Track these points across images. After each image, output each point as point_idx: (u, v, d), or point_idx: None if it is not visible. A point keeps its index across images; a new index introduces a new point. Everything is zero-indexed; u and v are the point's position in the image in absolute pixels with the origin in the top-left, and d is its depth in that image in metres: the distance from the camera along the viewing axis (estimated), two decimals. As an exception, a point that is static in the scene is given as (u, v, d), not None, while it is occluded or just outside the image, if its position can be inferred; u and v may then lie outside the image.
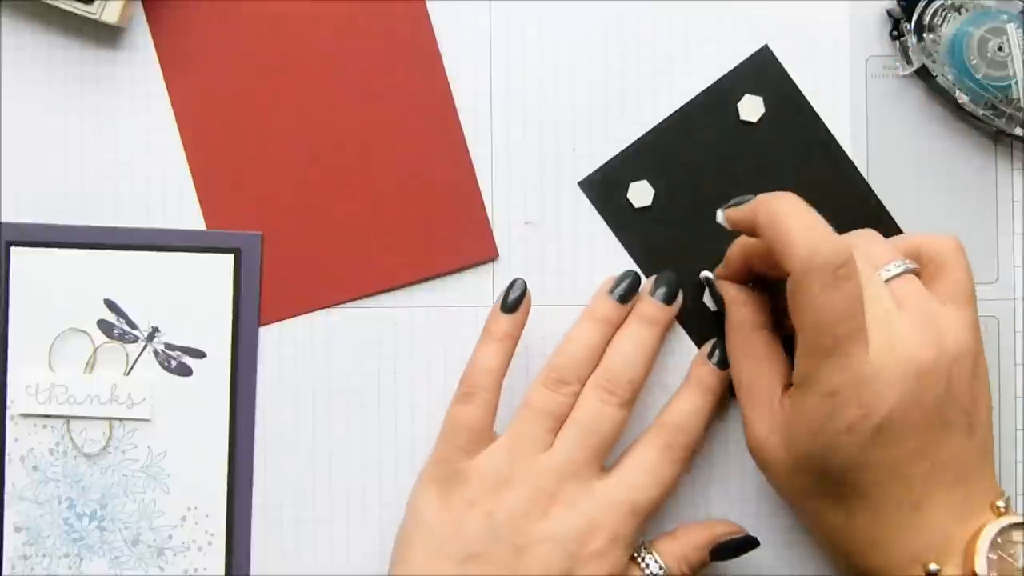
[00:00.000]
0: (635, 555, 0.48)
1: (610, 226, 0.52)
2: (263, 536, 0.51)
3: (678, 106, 0.51)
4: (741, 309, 0.49)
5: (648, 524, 0.48)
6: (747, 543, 0.49)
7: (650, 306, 0.49)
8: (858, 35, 0.51)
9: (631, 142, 0.51)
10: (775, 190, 0.51)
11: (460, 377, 0.48)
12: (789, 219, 0.43)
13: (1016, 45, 0.49)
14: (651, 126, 0.51)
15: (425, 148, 0.51)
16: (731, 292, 0.49)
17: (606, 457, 0.48)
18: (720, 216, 0.47)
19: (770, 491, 0.51)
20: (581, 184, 0.52)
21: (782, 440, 0.45)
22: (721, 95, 0.51)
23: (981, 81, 0.49)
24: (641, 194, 0.51)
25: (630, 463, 0.48)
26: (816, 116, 0.51)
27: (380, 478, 0.51)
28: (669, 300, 0.49)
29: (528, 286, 0.49)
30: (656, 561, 0.48)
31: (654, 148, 0.52)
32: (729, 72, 0.51)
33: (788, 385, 0.46)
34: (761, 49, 0.51)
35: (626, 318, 0.49)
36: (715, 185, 0.51)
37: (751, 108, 0.51)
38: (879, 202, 0.51)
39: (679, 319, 0.51)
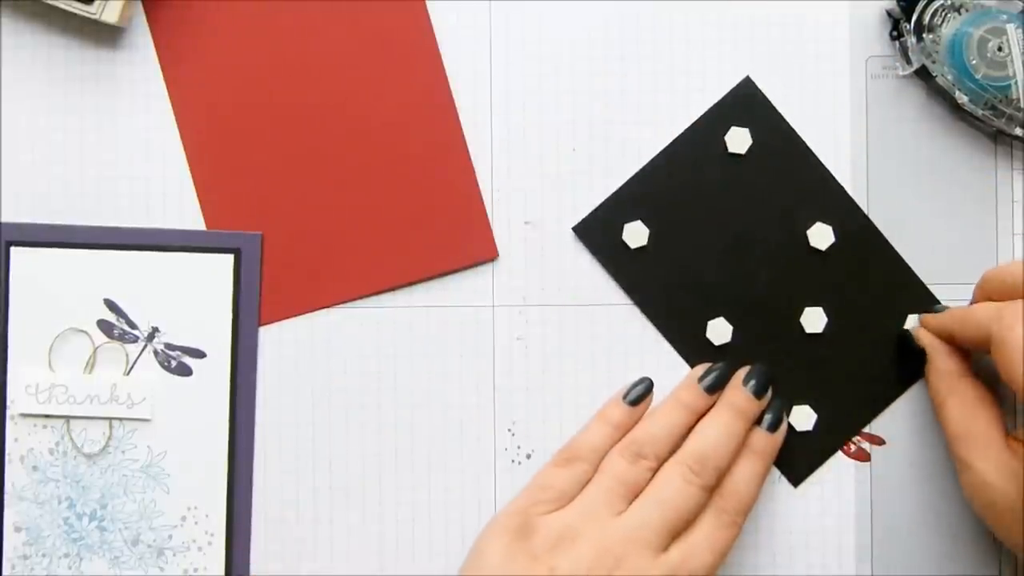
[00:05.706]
0: None
1: (608, 270, 0.51)
2: (263, 536, 0.51)
3: (669, 137, 0.51)
4: (944, 358, 0.49)
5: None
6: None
7: (741, 396, 0.49)
8: (858, 35, 0.52)
9: (620, 184, 0.51)
10: (769, 221, 0.51)
11: (563, 444, 0.50)
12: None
13: (1016, 45, 0.49)
14: (641, 165, 0.51)
15: (425, 148, 0.51)
16: (931, 341, 0.50)
17: (675, 536, 0.47)
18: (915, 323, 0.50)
19: (767, 489, 0.51)
20: (575, 229, 0.51)
21: (1015, 483, 0.45)
22: (707, 130, 0.51)
23: (981, 81, 0.49)
24: (636, 235, 0.51)
25: (692, 535, 0.47)
26: (802, 142, 0.51)
27: (380, 478, 0.51)
28: (760, 393, 0.50)
29: (653, 385, 0.51)
30: None
31: (644, 189, 0.51)
32: (713, 106, 0.51)
33: (1005, 432, 0.47)
34: (743, 81, 0.51)
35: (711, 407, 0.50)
36: (710, 220, 0.51)
37: (738, 140, 0.51)
38: (871, 224, 0.51)
39: (678, 349, 0.51)
